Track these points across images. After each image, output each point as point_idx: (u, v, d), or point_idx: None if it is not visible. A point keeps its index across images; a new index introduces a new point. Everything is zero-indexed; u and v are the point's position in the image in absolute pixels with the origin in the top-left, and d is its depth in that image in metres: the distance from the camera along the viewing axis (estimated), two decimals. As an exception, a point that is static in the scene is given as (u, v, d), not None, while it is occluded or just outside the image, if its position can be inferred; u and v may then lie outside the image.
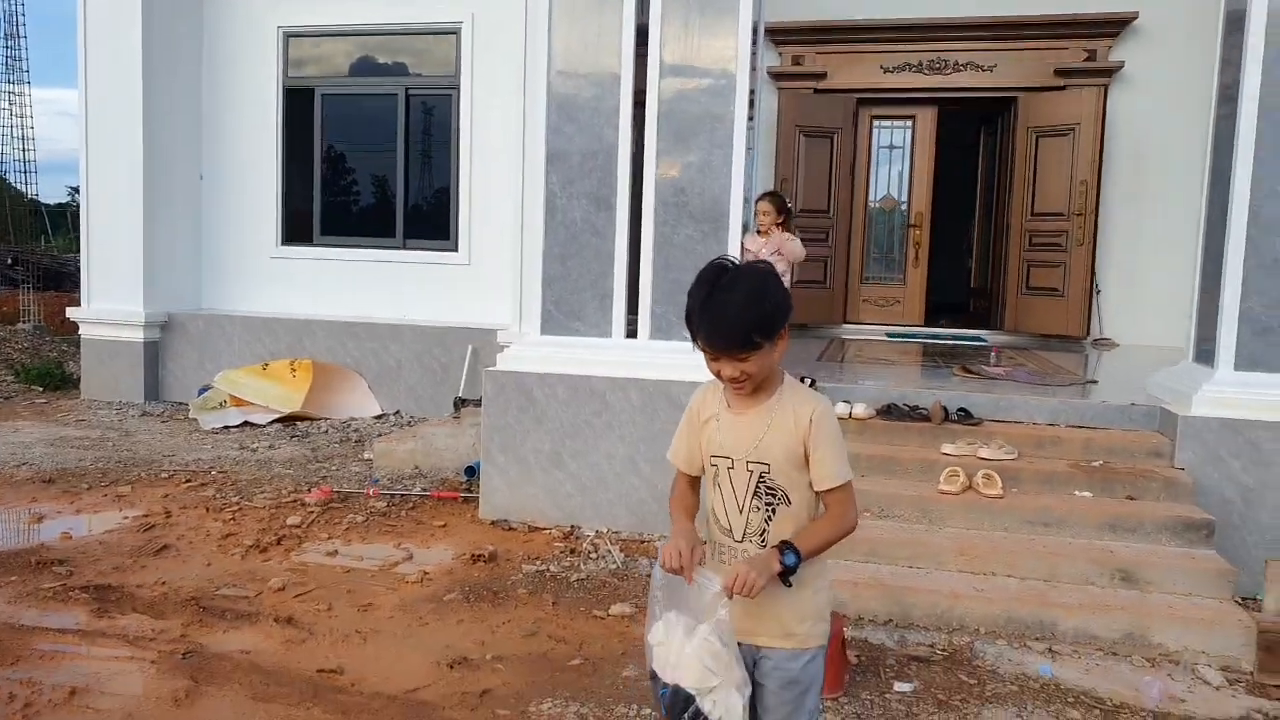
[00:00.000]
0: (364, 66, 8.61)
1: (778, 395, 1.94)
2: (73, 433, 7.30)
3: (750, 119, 5.12)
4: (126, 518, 5.17)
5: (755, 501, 1.94)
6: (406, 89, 8.44)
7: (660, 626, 1.88)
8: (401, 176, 8.55)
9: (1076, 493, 4.42)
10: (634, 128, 5.06)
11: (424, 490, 5.74)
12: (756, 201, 5.20)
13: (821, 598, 2.02)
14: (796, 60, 8.67)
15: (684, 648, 1.82)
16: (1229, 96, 4.70)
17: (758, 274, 1.86)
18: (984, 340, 8.52)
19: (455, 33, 8.15)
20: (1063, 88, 8.32)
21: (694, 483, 2.08)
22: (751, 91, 5.12)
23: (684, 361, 4.75)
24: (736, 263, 1.88)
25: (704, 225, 4.99)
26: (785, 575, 1.85)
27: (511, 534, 5.06)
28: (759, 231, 5.21)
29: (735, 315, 1.79)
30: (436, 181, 8.57)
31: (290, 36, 8.61)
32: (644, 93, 5.05)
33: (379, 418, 7.96)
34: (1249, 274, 4.53)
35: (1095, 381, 5.92)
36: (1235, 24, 4.65)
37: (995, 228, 9.40)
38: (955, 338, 8.70)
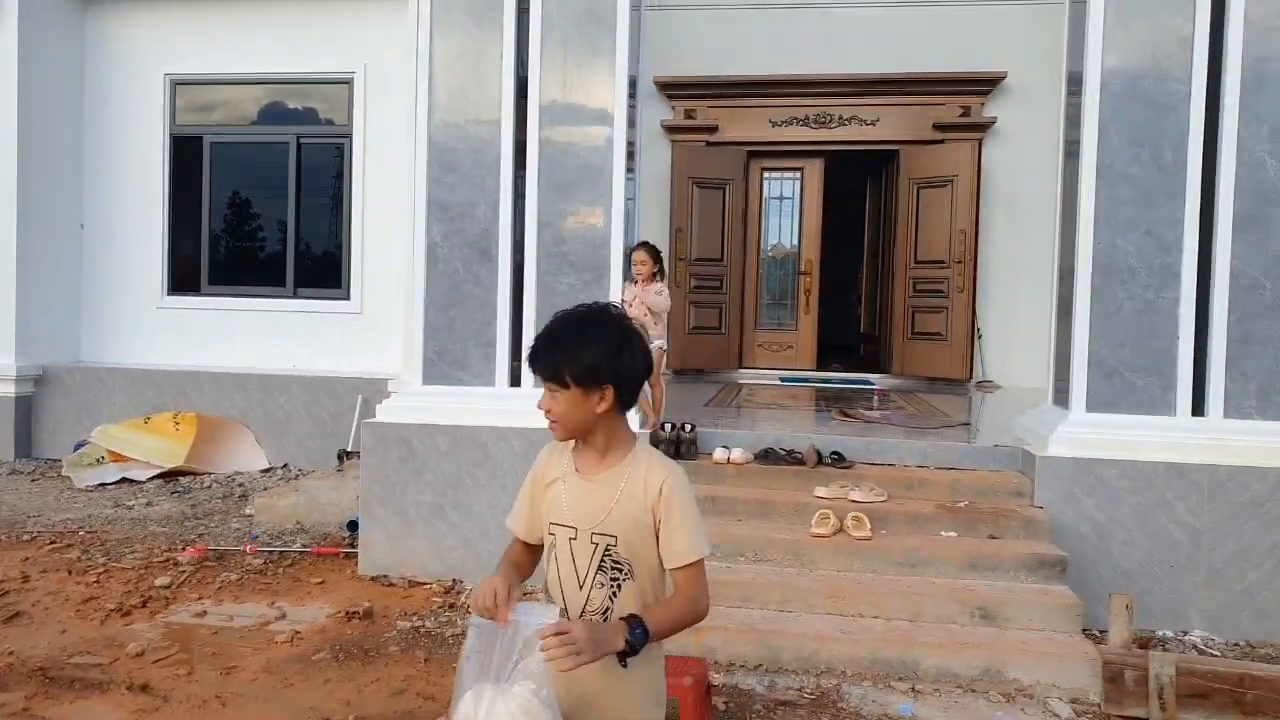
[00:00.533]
0: (255, 115, 8.52)
1: (629, 461, 1.81)
2: (-68, 494, 6.90)
3: (631, 171, 5.24)
4: (-21, 584, 4.90)
5: (599, 576, 1.79)
6: (298, 137, 8.37)
7: (469, 699, 1.66)
8: (293, 225, 8.45)
9: (942, 533, 4.58)
10: (515, 178, 5.13)
11: (304, 546, 5.59)
12: (633, 251, 5.31)
13: (660, 680, 1.89)
14: (689, 114, 8.93)
15: (495, 705, 1.61)
16: (1072, 153, 5.02)
17: (605, 324, 1.79)
18: (872, 384, 8.81)
19: (348, 82, 8.16)
20: (941, 141, 8.76)
21: (532, 551, 1.95)
22: (631, 144, 5.25)
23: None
24: (614, 309, 1.84)
25: (585, 274, 5.06)
26: (625, 655, 1.65)
27: (391, 589, 4.96)
28: (635, 281, 5.32)
29: (555, 341, 1.77)
30: (328, 230, 8.49)
31: (178, 84, 8.48)
32: (526, 142, 5.13)
33: (266, 471, 7.74)
34: (1095, 320, 4.80)
35: (966, 424, 6.17)
36: (1075, 84, 4.99)
37: (882, 274, 9.78)
38: (845, 381, 8.96)
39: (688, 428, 5.19)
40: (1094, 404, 4.81)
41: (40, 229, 8.15)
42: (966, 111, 8.70)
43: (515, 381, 5.14)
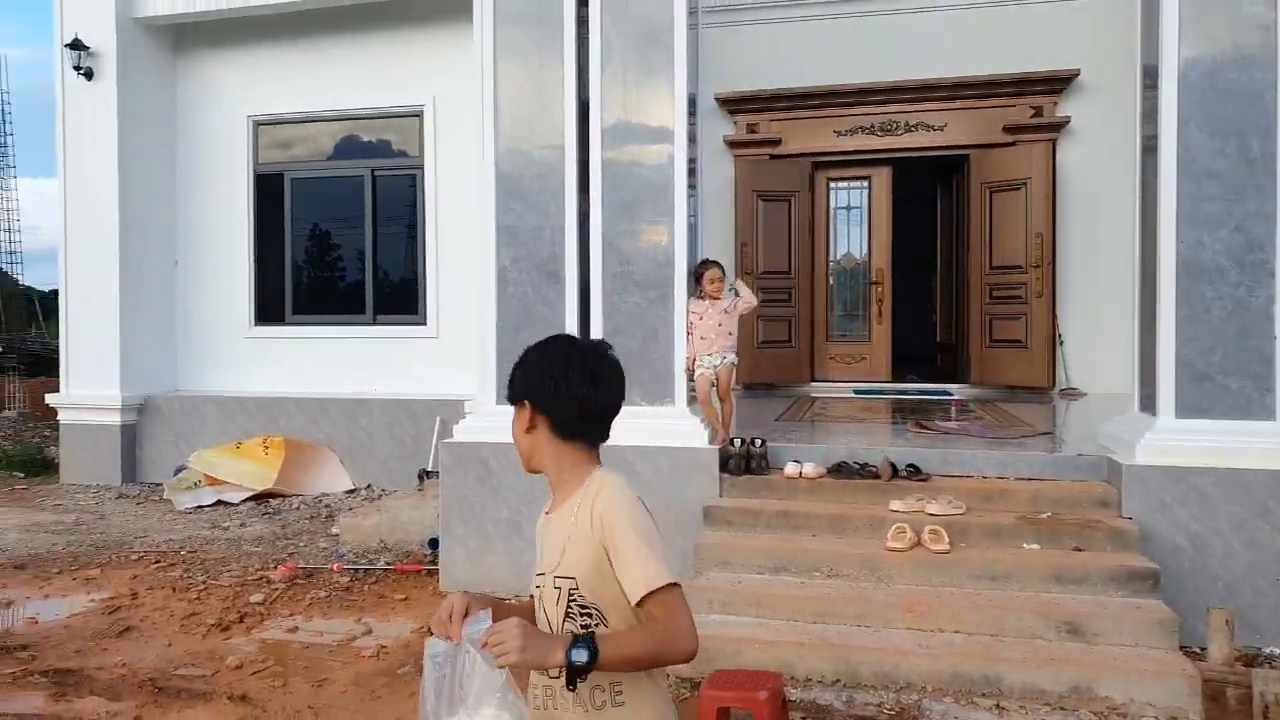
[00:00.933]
0: (331, 150, 8.86)
1: (581, 493, 1.65)
2: (48, 518, 7.32)
3: (693, 187, 5.29)
4: (94, 600, 5.20)
5: (568, 625, 1.61)
6: (373, 170, 8.68)
7: None
8: (370, 255, 8.75)
9: (1024, 545, 4.47)
10: (580, 200, 5.23)
11: (388, 564, 5.76)
12: (705, 270, 5.33)
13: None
14: (751, 128, 8.94)
15: None
16: (1150, 148, 4.88)
17: (549, 346, 1.75)
18: (950, 394, 8.62)
19: (419, 115, 8.43)
20: (1013, 143, 8.56)
21: None
22: (693, 161, 5.29)
23: (636, 427, 4.83)
24: (576, 340, 1.81)
25: (650, 292, 5.12)
26: (571, 675, 1.47)
27: (471, 606, 5.07)
28: (702, 296, 5.34)
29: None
30: (404, 258, 8.77)
31: (259, 125, 8.88)
32: (590, 165, 5.23)
33: (350, 492, 8.00)
34: (1182, 322, 4.63)
35: (1049, 433, 6.00)
36: (1151, 78, 4.85)
37: (956, 281, 9.58)
38: (922, 392, 8.80)
39: (758, 442, 5.18)
40: (1184, 410, 4.64)
41: (139, 267, 8.63)
42: (1038, 112, 8.49)
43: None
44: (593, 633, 1.52)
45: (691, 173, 5.20)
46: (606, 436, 1.75)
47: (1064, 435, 6.04)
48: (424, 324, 8.49)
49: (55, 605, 5.17)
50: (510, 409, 1.75)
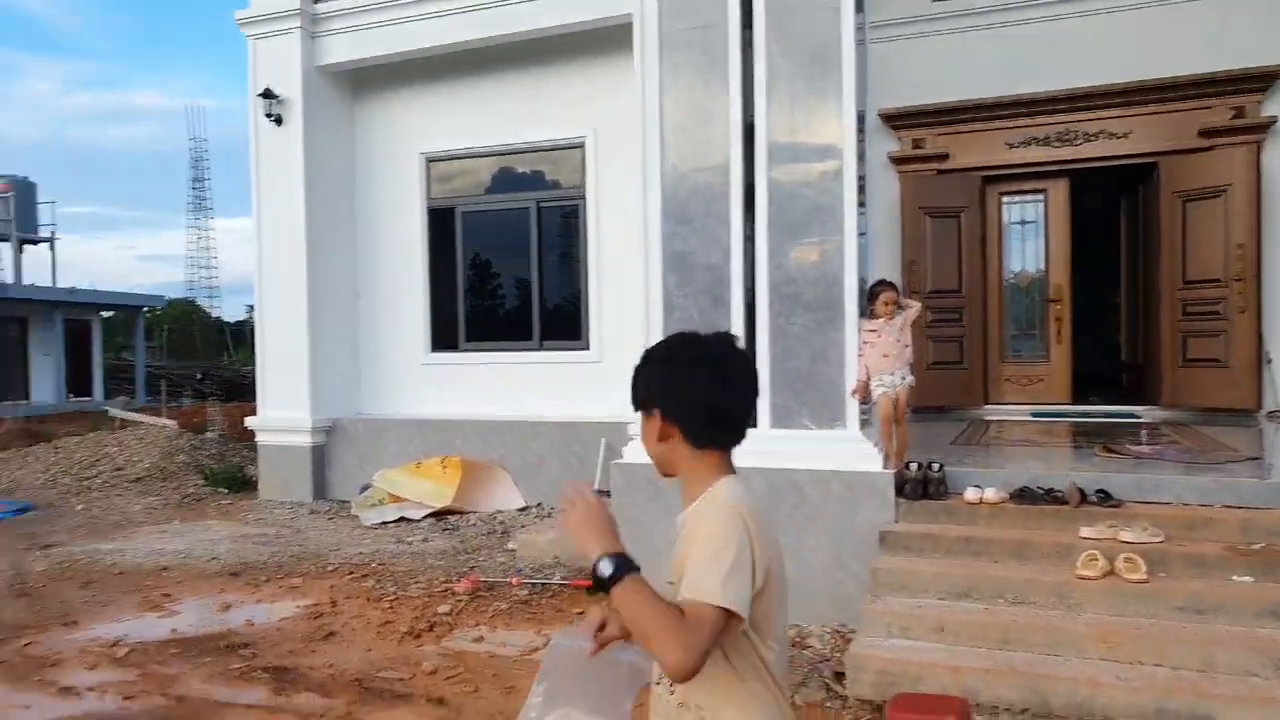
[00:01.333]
0: (498, 184, 9.32)
1: (703, 500, 1.61)
2: (252, 530, 8.00)
3: (861, 205, 5.24)
4: (299, 606, 5.64)
5: None
6: (537, 202, 9.07)
7: None
8: (536, 283, 9.12)
9: (1234, 578, 4.13)
10: (745, 222, 5.29)
11: (563, 579, 5.95)
12: (881, 291, 5.23)
13: None
14: (917, 144, 8.74)
15: None
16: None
17: (674, 344, 1.65)
18: (1138, 416, 8.07)
19: (580, 146, 8.75)
20: (1209, 148, 7.98)
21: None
22: (861, 178, 5.25)
23: (804, 449, 4.81)
24: (712, 338, 1.67)
25: (818, 314, 5.10)
26: (595, 584, 1.45)
27: (643, 622, 5.16)
28: (874, 314, 5.25)
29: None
30: (568, 286, 9.09)
31: (431, 161, 9.46)
32: (755, 188, 5.28)
33: (523, 510, 8.31)
34: None
35: (1257, 458, 5.52)
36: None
37: (1144, 297, 8.98)
38: (1106, 415, 8.27)
39: (935, 466, 5.04)
40: None
41: (325, 299, 9.31)
42: (1239, 112, 7.87)
43: (751, 424, 5.23)
44: (635, 567, 1.45)
45: (860, 190, 5.16)
46: (740, 439, 1.64)
47: (1276, 461, 5.54)
48: (587, 349, 8.76)
49: (266, 610, 5.65)
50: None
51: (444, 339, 9.48)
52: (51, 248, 29.94)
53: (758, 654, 1.55)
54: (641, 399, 1.63)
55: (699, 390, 1.57)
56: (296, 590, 6.01)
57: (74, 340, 26.95)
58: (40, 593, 6.11)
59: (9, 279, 28.18)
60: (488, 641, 4.93)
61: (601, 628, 1.61)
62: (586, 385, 8.64)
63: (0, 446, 14.71)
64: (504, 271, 9.55)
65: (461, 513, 8.18)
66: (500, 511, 8.24)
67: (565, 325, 9.02)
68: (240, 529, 8.08)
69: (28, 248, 29.16)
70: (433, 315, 9.50)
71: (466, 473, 8.29)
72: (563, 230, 9.12)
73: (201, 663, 4.65)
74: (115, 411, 17.37)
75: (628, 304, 8.10)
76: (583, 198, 8.79)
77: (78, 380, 27.04)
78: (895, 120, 8.72)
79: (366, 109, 9.69)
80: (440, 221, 9.48)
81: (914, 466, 5.08)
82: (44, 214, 29.50)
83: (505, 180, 9.29)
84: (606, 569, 1.43)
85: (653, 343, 1.71)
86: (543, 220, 9.09)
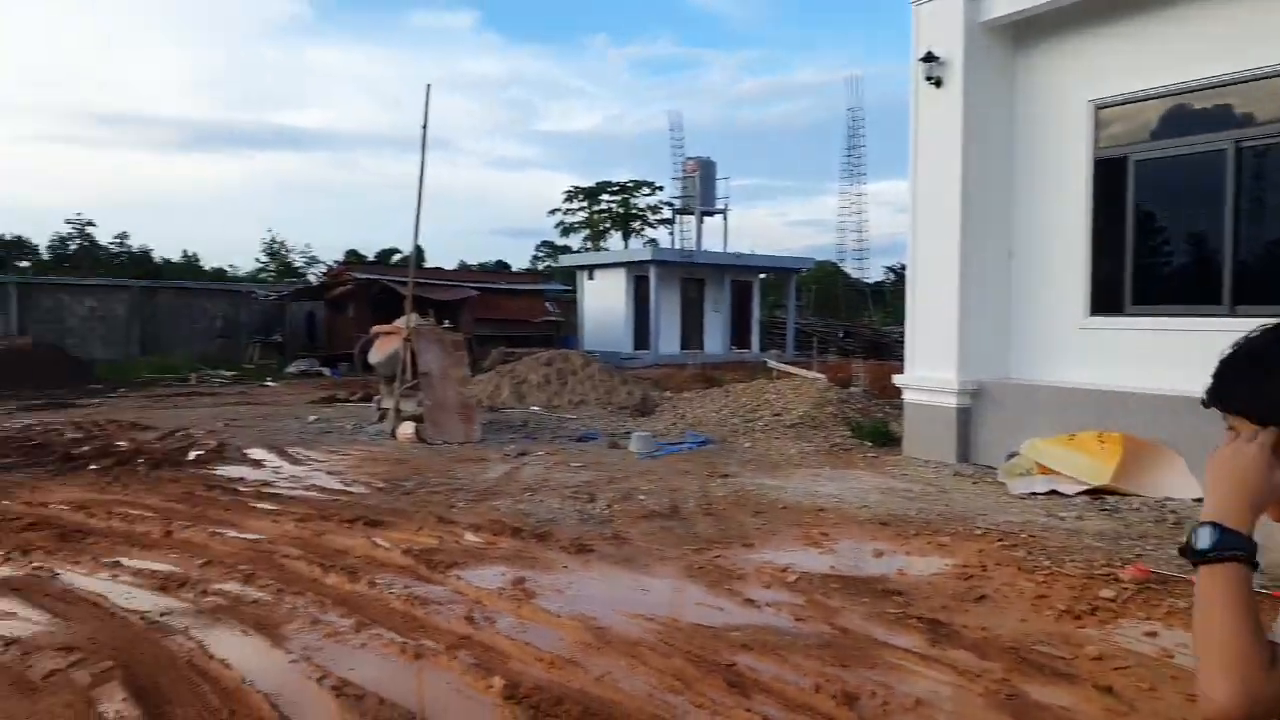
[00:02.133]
0: (1182, 126, 8.11)
1: None
2: (897, 484, 8.40)
3: None
4: (946, 565, 5.76)
5: None
6: (1236, 142, 7.64)
7: None
8: (1230, 237, 7.74)
9: None
10: None
11: (1261, 587, 5.03)
12: None
13: None
14: None
15: None
16: None
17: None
18: None
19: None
20: None
21: None
22: None
23: None
24: None
25: None
26: (1186, 552, 1.17)
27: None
28: None
29: (1224, 361, 1.27)
30: (1273, 239, 7.51)
31: (1100, 109, 8.63)
32: None
33: (1198, 500, 7.23)
34: None
35: None
36: None
37: None
38: None
39: None
40: None
41: (976, 260, 9.22)
42: None
43: None
44: (1245, 553, 1.13)
45: None
46: None
47: None
48: (1299, 314, 7.18)
49: (916, 562, 5.87)
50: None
51: (1105, 301, 8.69)
52: (724, 218, 35.87)
53: None
54: (1267, 407, 1.23)
55: None
56: (944, 548, 6.13)
57: (737, 299, 32.02)
58: (721, 515, 7.24)
59: (692, 246, 34.51)
60: (1163, 639, 4.41)
61: None
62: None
63: (684, 388, 17.94)
64: (1184, 226, 8.34)
65: (1121, 494, 7.46)
66: (1170, 499, 7.29)
67: (1269, 285, 7.52)
68: (886, 481, 8.55)
69: (706, 219, 35.38)
70: (1093, 275, 8.76)
71: (1129, 451, 7.51)
72: (1270, 174, 7.57)
73: (860, 601, 5.01)
74: (773, 364, 19.80)
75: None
76: (1298, 131, 7.18)
77: (738, 334, 32.13)
78: None
79: (1027, 62, 9.29)
80: (1108, 173, 8.66)
81: None
82: (719, 188, 35.54)
83: (1192, 122, 8.06)
84: (1203, 540, 1.16)
85: None
86: (1243, 163, 7.67)
